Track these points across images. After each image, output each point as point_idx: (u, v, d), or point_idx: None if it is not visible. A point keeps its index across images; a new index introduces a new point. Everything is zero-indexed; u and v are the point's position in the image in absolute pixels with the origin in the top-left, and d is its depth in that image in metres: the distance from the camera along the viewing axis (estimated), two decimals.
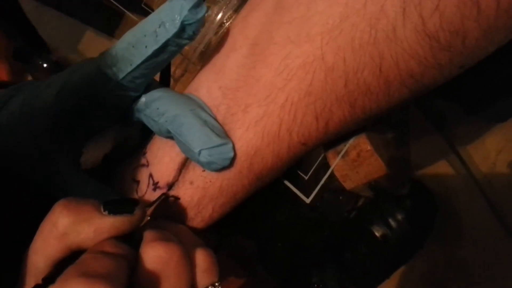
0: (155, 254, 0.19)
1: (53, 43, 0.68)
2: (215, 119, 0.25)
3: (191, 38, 0.23)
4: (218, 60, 0.26)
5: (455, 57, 0.21)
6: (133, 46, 0.23)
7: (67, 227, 0.19)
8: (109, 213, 0.20)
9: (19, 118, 0.24)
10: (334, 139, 0.27)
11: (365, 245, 0.55)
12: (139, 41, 0.23)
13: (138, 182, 0.27)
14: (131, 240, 0.21)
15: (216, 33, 0.39)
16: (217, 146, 0.23)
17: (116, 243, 0.20)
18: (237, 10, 0.39)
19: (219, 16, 0.39)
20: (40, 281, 0.19)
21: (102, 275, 0.16)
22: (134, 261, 0.19)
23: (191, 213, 0.26)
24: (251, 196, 0.28)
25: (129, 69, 0.23)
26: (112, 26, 0.68)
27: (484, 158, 0.57)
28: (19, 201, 0.26)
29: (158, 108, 0.24)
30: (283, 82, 0.23)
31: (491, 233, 0.58)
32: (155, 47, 0.22)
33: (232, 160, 0.24)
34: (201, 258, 0.21)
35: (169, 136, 0.25)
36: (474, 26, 0.20)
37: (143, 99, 0.25)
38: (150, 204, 0.24)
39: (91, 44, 0.70)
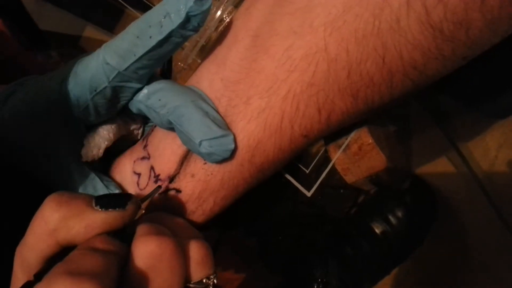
0: (146, 249, 0.19)
1: (54, 39, 0.68)
2: (216, 111, 0.25)
3: (195, 30, 0.23)
4: (220, 52, 0.26)
5: (459, 48, 0.21)
6: (137, 37, 0.23)
7: (57, 222, 0.19)
8: (101, 208, 0.19)
9: (21, 111, 0.24)
10: (336, 132, 0.26)
11: (365, 241, 0.55)
12: (144, 31, 0.23)
13: (139, 174, 0.27)
14: (124, 234, 0.20)
15: (216, 28, 0.39)
16: (218, 137, 0.23)
17: (107, 239, 0.19)
18: (237, 6, 0.39)
19: (220, 10, 0.39)
20: (31, 278, 0.18)
21: (90, 273, 0.16)
22: (126, 257, 0.19)
23: (192, 206, 0.26)
24: (252, 189, 0.27)
25: (133, 59, 0.23)
26: (112, 21, 0.68)
27: (484, 154, 0.57)
28: (18, 193, 0.25)
29: (159, 99, 0.24)
30: (286, 73, 0.23)
31: (490, 229, 0.58)
32: (160, 37, 0.22)
33: (233, 152, 0.24)
34: (195, 250, 0.21)
35: (170, 127, 0.25)
36: (477, 16, 0.19)
37: (145, 90, 0.25)
38: (145, 197, 0.24)
39: (92, 39, 0.70)
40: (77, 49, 0.69)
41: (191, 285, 0.21)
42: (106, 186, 0.26)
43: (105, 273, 0.17)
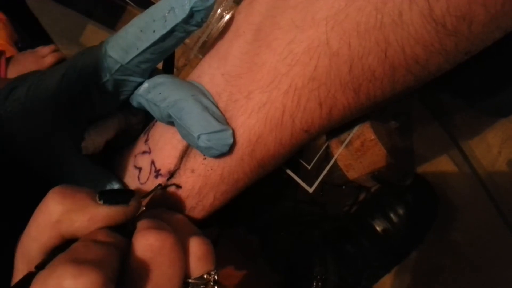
0: (146, 243, 0.19)
1: (55, 36, 0.68)
2: (216, 106, 0.25)
3: (199, 25, 0.23)
4: (222, 46, 0.26)
5: (461, 43, 0.21)
6: (141, 31, 0.23)
7: (61, 214, 0.19)
8: (104, 202, 0.20)
9: (23, 104, 0.24)
10: (338, 127, 0.26)
11: (366, 239, 0.55)
12: (148, 25, 0.23)
13: (140, 169, 0.27)
14: (125, 230, 0.20)
15: (218, 23, 0.39)
16: (217, 131, 0.23)
17: (109, 232, 0.19)
18: (238, 1, 0.39)
19: (222, 6, 0.39)
20: (33, 269, 0.18)
21: (92, 262, 0.16)
22: (126, 251, 0.19)
23: (192, 202, 0.26)
24: (253, 186, 0.27)
25: (136, 53, 0.23)
26: (114, 18, 0.68)
27: (486, 152, 0.57)
28: (20, 187, 0.25)
29: (160, 93, 0.24)
30: (287, 67, 0.23)
31: (491, 227, 0.58)
32: (163, 31, 0.23)
33: (231, 147, 0.24)
34: (196, 246, 0.21)
35: (170, 121, 0.25)
36: (481, 11, 0.19)
37: (145, 84, 0.25)
38: (145, 194, 0.24)
39: (93, 36, 0.70)
40: (78, 45, 0.69)
41: (191, 281, 0.21)
42: (107, 180, 0.26)
43: (107, 263, 0.17)
